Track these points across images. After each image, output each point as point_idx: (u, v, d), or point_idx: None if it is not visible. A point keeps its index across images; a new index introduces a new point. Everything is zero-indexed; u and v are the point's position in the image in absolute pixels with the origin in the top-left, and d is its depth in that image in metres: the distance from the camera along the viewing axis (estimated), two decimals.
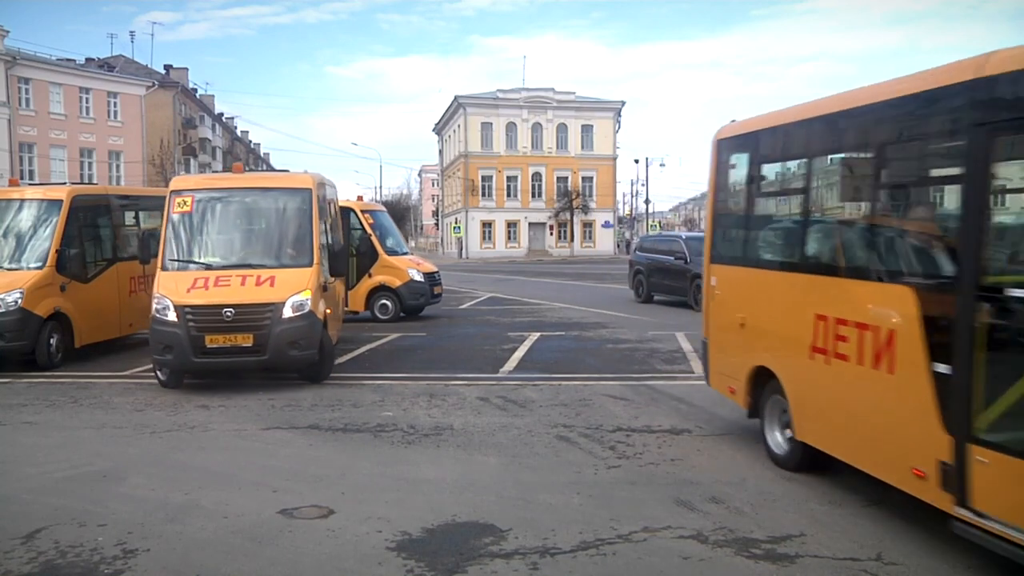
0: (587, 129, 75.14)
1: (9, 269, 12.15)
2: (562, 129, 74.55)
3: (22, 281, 11.82)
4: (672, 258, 21.13)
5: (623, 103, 76.10)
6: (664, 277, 21.64)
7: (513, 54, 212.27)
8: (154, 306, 10.14)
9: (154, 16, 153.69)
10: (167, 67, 62.66)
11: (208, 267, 10.60)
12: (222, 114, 78.04)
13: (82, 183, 36.39)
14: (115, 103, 52.30)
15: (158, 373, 10.70)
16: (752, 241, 7.67)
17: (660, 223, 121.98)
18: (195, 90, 67.62)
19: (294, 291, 10.27)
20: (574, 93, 74.56)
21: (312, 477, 6.74)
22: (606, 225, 76.42)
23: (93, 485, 6.61)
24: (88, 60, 55.83)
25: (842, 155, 6.72)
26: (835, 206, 6.66)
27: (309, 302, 10.35)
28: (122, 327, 13.93)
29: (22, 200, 13.00)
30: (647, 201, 78.51)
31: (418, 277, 18.39)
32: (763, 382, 7.13)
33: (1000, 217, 5.12)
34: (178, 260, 10.64)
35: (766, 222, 7.67)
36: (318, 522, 5.71)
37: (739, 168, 7.99)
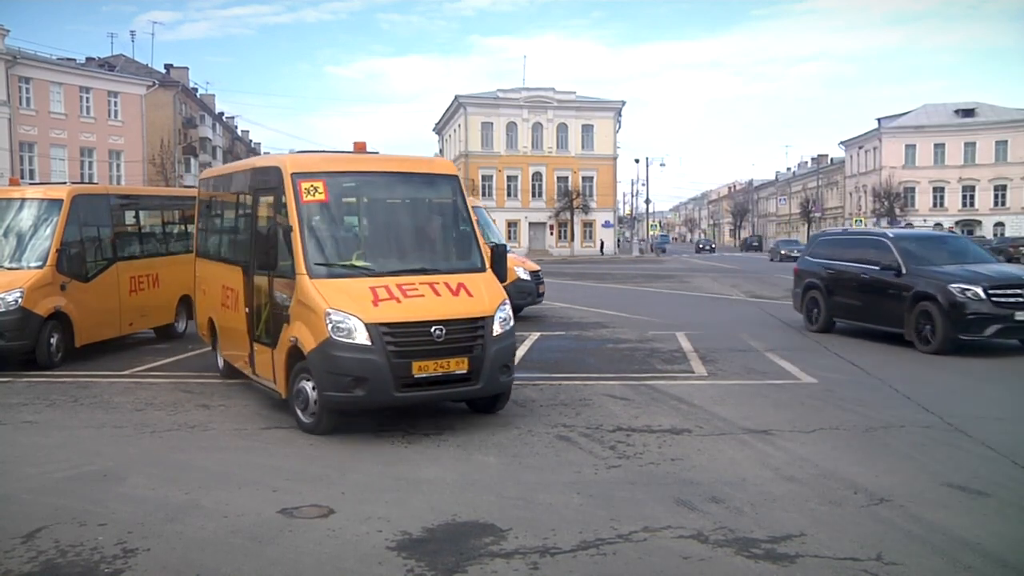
0: (587, 129, 75.16)
1: (9, 268, 12.14)
2: (562, 129, 74.58)
3: (22, 280, 11.81)
4: (876, 268, 14.58)
5: (623, 103, 76.16)
6: (860, 296, 15.01)
7: (513, 54, 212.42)
8: (328, 326, 7.68)
9: (154, 16, 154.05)
10: (167, 66, 62.69)
11: (372, 272, 8.29)
12: (222, 113, 78.04)
13: (82, 182, 36.37)
14: (115, 102, 52.31)
15: (301, 414, 8.17)
16: None
17: (660, 223, 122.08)
18: (195, 89, 67.63)
19: (496, 301, 8.40)
20: (574, 93, 74.60)
21: (312, 477, 6.74)
22: (606, 225, 76.44)
23: (93, 485, 6.61)
24: (88, 59, 55.85)
25: None
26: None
27: (511, 316, 8.64)
28: (122, 326, 13.91)
29: (22, 199, 12.98)
30: (647, 201, 78.58)
31: (525, 276, 17.62)
32: None
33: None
34: (329, 265, 8.23)
35: None
36: (318, 522, 5.71)
37: None
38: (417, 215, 9.40)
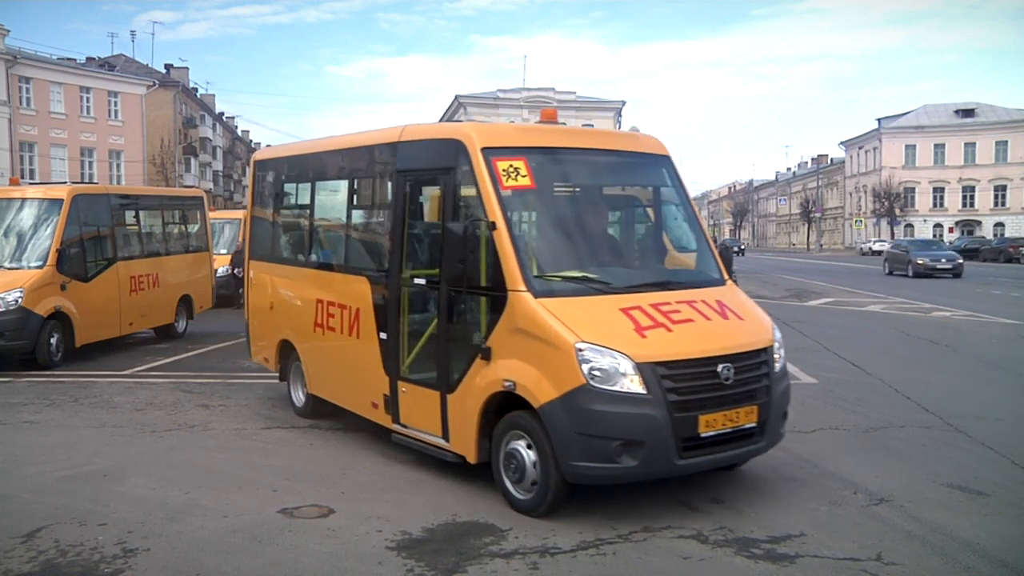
0: None
1: (10, 268, 12.14)
2: None
3: (22, 280, 11.82)
4: None
5: (623, 103, 76.11)
6: None
7: (513, 53, 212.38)
8: (583, 368, 5.42)
9: (154, 15, 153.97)
10: (167, 66, 62.73)
11: (610, 288, 6.05)
12: (222, 113, 78.09)
13: (82, 182, 36.40)
14: (116, 102, 52.33)
15: (513, 488, 5.91)
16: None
17: None
18: (195, 89, 67.67)
19: (769, 324, 6.46)
20: (575, 93, 74.58)
21: (312, 477, 6.74)
22: None
23: (93, 484, 6.60)
24: (89, 59, 55.86)
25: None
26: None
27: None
28: (122, 326, 13.91)
29: (23, 199, 12.99)
30: None
31: None
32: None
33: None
34: (553, 277, 5.97)
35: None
36: (318, 522, 5.71)
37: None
38: (634, 207, 7.49)
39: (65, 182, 19.88)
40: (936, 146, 77.56)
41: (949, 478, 6.68)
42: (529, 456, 5.74)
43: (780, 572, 4.87)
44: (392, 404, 7.01)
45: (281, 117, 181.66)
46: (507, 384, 5.77)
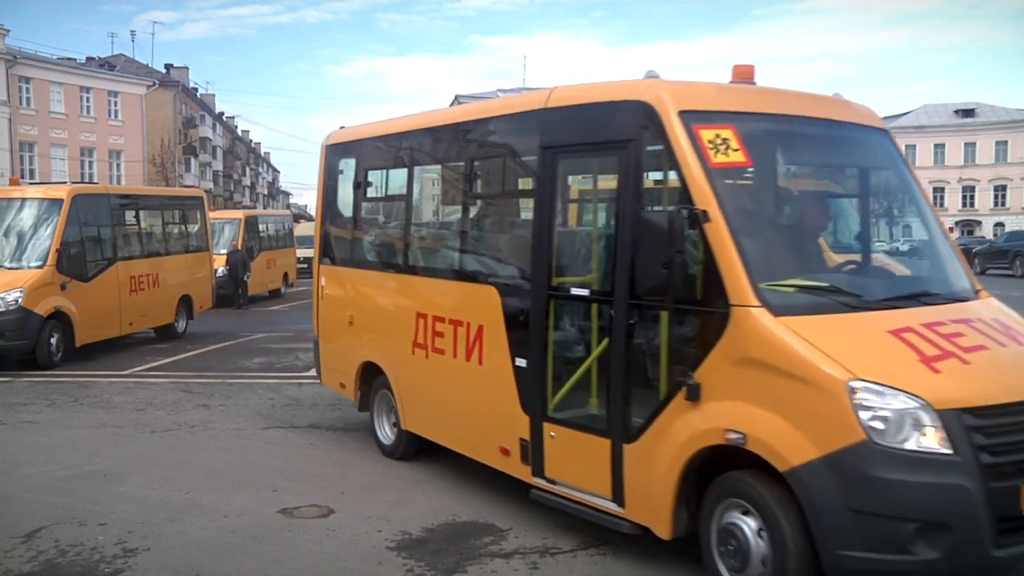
0: None
1: (10, 268, 12.15)
2: None
3: (22, 280, 11.83)
4: None
5: None
6: None
7: (513, 54, 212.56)
8: (861, 417, 3.90)
9: (154, 15, 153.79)
10: (167, 66, 62.70)
11: (863, 303, 4.59)
12: (222, 113, 78.09)
13: (83, 182, 36.41)
14: (116, 102, 52.30)
15: None
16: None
17: None
18: (195, 89, 67.67)
19: None
20: None
21: (312, 477, 6.74)
22: None
23: (93, 484, 6.60)
24: (89, 59, 55.83)
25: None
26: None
27: None
28: (122, 326, 13.92)
29: (23, 199, 13.01)
30: None
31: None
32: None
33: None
34: (783, 287, 4.41)
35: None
36: (318, 522, 5.71)
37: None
38: (860, 194, 5.83)
39: (65, 182, 19.90)
40: (936, 146, 77.57)
41: None
42: (757, 536, 4.20)
43: None
44: (533, 452, 5.38)
45: (281, 117, 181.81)
46: (732, 436, 4.19)
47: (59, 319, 12.22)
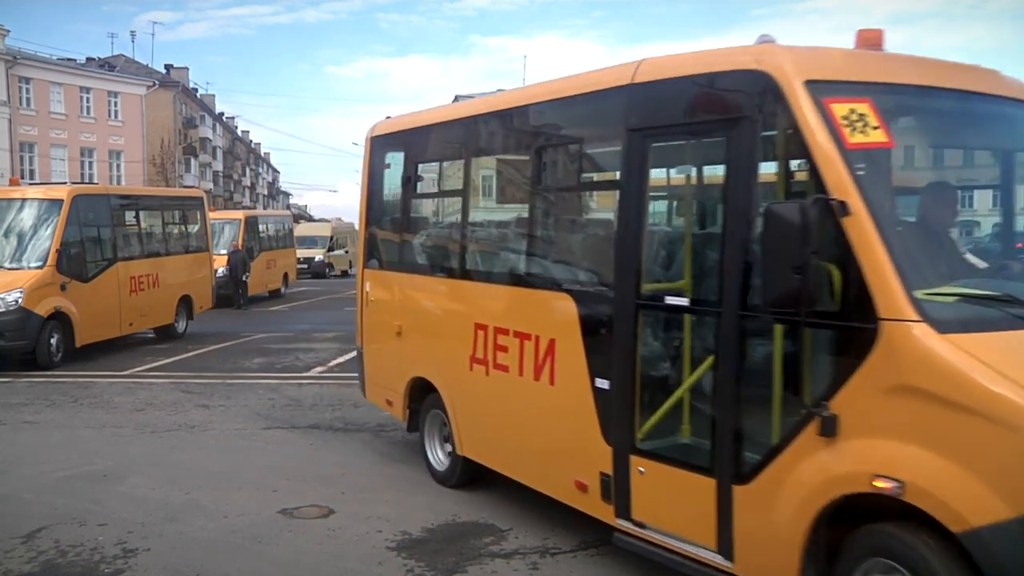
0: None
1: (10, 268, 12.16)
2: None
3: (23, 280, 11.83)
4: None
5: None
6: None
7: (513, 54, 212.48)
8: None
9: (154, 16, 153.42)
10: (167, 67, 62.69)
11: None
12: (222, 114, 78.08)
13: (83, 183, 36.41)
14: (116, 103, 52.31)
15: None
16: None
17: None
18: (195, 90, 67.67)
19: None
20: None
21: (312, 477, 6.73)
22: None
23: (93, 485, 6.60)
24: (89, 60, 55.83)
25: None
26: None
27: None
28: (122, 326, 13.92)
29: (23, 200, 13.02)
30: None
31: None
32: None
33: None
34: (942, 297, 3.57)
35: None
36: (318, 522, 5.71)
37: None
38: (997, 179, 5.39)
39: (65, 182, 19.91)
40: None
41: None
42: None
43: None
44: (617, 490, 4.60)
45: (281, 117, 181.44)
46: (886, 485, 3.33)
47: (59, 319, 12.22)
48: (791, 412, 3.74)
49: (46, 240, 12.36)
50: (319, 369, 11.96)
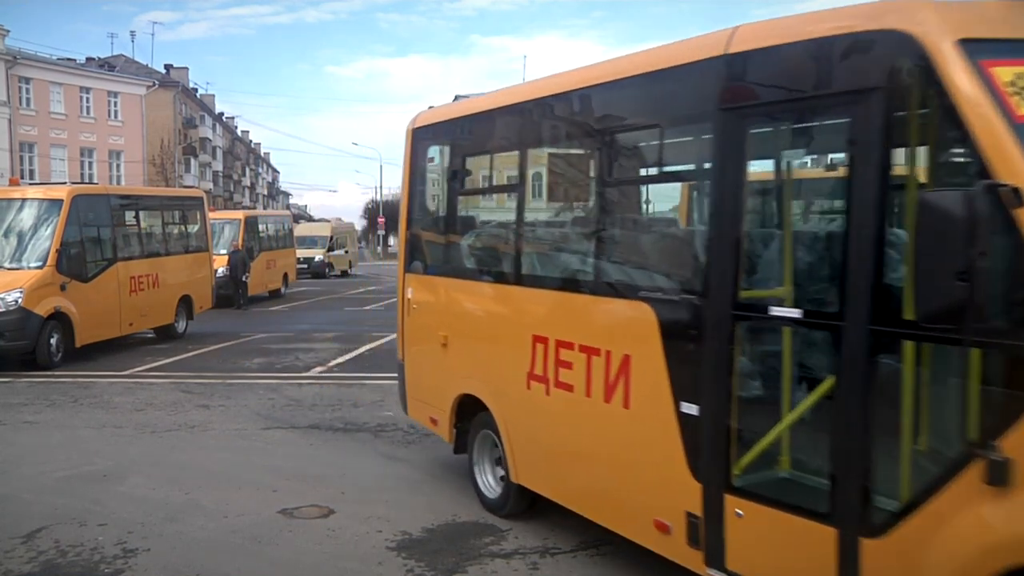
0: None
1: (10, 268, 12.16)
2: None
3: (22, 280, 11.83)
4: None
5: None
6: None
7: (513, 54, 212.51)
8: None
9: (154, 16, 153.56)
10: (167, 67, 62.70)
11: None
12: (222, 114, 78.09)
13: (82, 183, 36.42)
14: (115, 103, 52.32)
15: None
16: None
17: None
18: (195, 90, 67.67)
19: None
20: None
21: (312, 477, 6.74)
22: None
23: (93, 485, 6.61)
24: (88, 60, 55.83)
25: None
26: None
27: None
28: (122, 326, 13.92)
29: (23, 200, 13.03)
30: None
31: None
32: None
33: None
34: None
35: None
36: (318, 522, 5.71)
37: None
38: None
39: (65, 182, 19.92)
40: None
41: None
42: None
43: None
44: (708, 534, 3.90)
45: (281, 117, 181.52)
46: None
47: (59, 319, 12.22)
48: (943, 451, 3.12)
49: (46, 240, 12.37)
50: (319, 369, 11.97)
